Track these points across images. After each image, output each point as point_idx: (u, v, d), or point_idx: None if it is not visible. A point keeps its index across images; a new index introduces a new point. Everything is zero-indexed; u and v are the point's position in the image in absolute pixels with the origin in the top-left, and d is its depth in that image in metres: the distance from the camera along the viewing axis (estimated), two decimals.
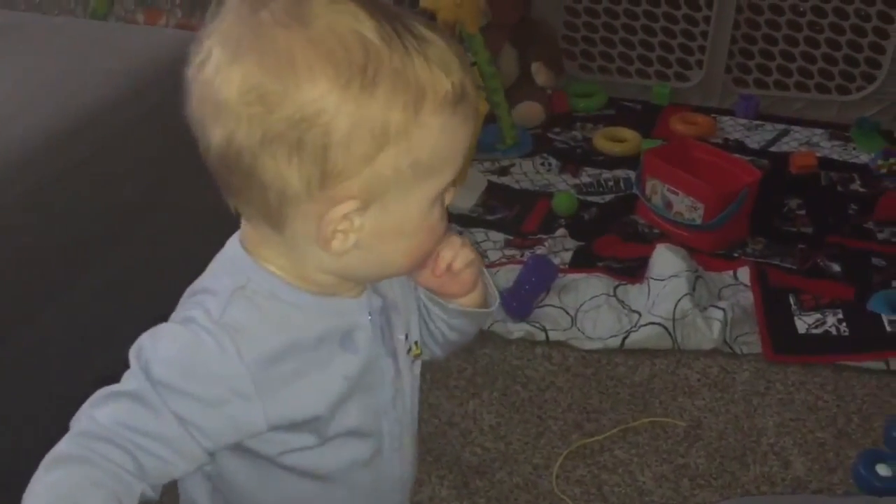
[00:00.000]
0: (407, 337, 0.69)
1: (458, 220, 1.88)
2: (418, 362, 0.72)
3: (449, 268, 0.66)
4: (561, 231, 1.86)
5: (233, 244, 0.63)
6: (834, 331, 1.58)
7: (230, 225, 0.63)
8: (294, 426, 0.62)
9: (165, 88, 1.33)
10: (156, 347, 0.58)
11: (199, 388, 0.57)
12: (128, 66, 1.31)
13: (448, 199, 0.62)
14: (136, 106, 1.27)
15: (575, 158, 2.14)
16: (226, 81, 0.53)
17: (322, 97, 0.52)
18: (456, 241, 0.66)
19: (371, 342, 0.65)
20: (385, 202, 0.56)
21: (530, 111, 2.23)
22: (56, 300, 1.15)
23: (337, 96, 0.52)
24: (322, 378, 0.62)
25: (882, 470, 1.25)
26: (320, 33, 0.52)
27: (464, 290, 0.69)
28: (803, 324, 1.59)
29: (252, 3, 0.54)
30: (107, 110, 1.22)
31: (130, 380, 0.57)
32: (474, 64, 2.00)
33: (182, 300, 0.62)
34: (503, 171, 2.08)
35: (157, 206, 1.19)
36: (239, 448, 0.62)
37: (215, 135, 0.55)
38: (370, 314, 0.65)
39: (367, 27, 0.53)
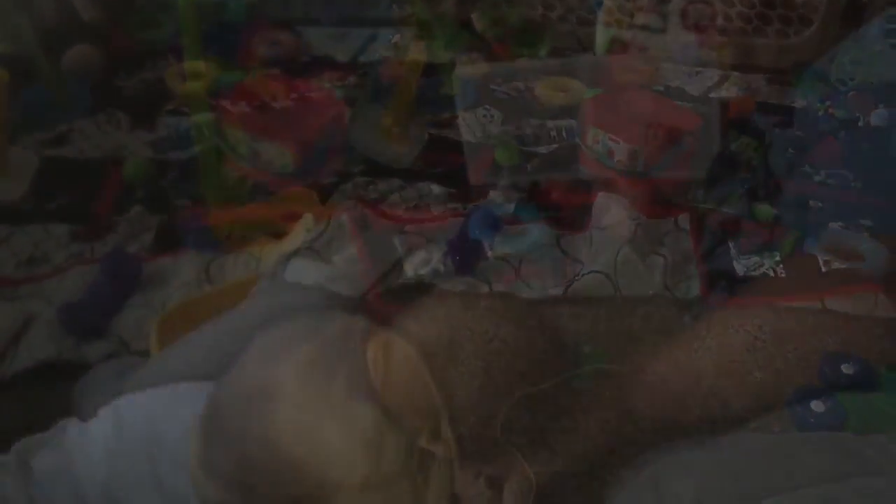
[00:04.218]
0: None
1: (400, 175, 1.86)
2: None
3: None
4: (504, 183, 1.85)
5: None
6: (772, 273, 1.60)
7: None
8: None
9: None
10: None
11: None
12: None
13: None
14: None
15: (517, 109, 2.13)
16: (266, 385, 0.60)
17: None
18: None
19: None
20: None
21: (469, 62, 2.20)
22: None
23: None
24: None
25: (816, 406, 1.27)
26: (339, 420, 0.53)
27: None
28: (742, 267, 1.62)
29: (333, 361, 0.55)
30: None
31: None
32: (411, 15, 1.96)
33: None
34: (445, 124, 2.06)
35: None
36: None
37: None
38: None
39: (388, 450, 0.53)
